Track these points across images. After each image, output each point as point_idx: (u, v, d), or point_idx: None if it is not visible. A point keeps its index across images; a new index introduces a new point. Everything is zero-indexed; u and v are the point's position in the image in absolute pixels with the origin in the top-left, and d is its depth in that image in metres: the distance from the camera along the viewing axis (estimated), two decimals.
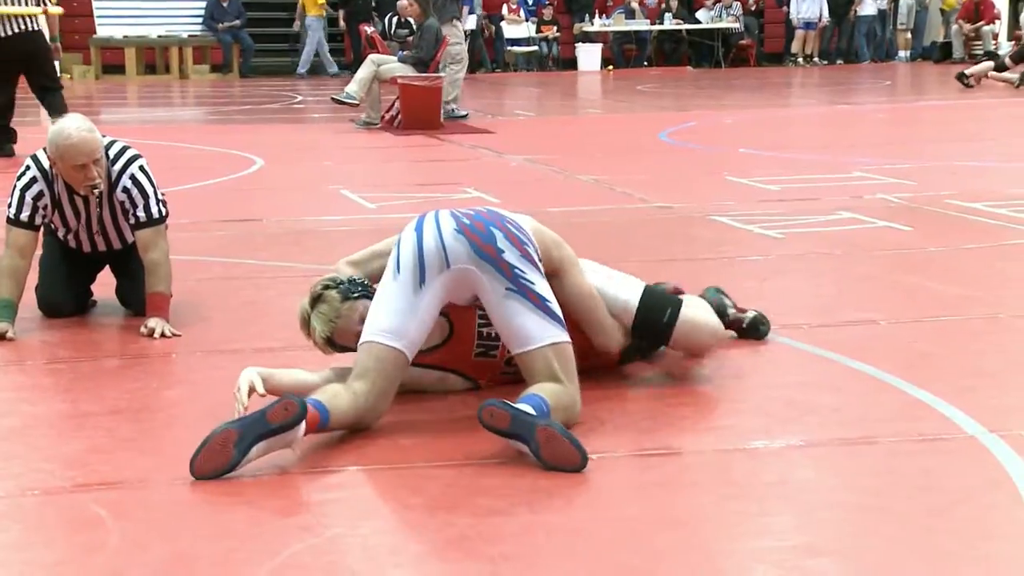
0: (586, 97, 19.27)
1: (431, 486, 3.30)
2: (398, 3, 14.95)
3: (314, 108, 16.13)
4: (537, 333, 3.62)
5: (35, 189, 4.89)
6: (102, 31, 22.29)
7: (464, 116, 13.48)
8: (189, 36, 22.63)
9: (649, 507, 3.15)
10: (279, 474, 3.35)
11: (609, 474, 3.35)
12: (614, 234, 6.94)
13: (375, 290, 3.80)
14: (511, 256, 3.63)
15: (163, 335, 4.75)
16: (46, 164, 4.89)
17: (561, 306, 3.75)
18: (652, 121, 13.85)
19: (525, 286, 3.62)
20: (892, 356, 4.43)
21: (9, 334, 4.73)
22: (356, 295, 3.88)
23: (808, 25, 24.72)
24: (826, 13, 24.72)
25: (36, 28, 10.25)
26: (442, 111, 13.08)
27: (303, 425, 3.38)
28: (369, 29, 15.26)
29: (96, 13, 22.49)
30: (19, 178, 4.94)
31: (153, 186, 4.96)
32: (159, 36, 22.54)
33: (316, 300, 3.90)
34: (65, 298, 5.11)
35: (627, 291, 4.10)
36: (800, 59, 24.64)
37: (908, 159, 9.98)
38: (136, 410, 3.95)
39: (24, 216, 4.90)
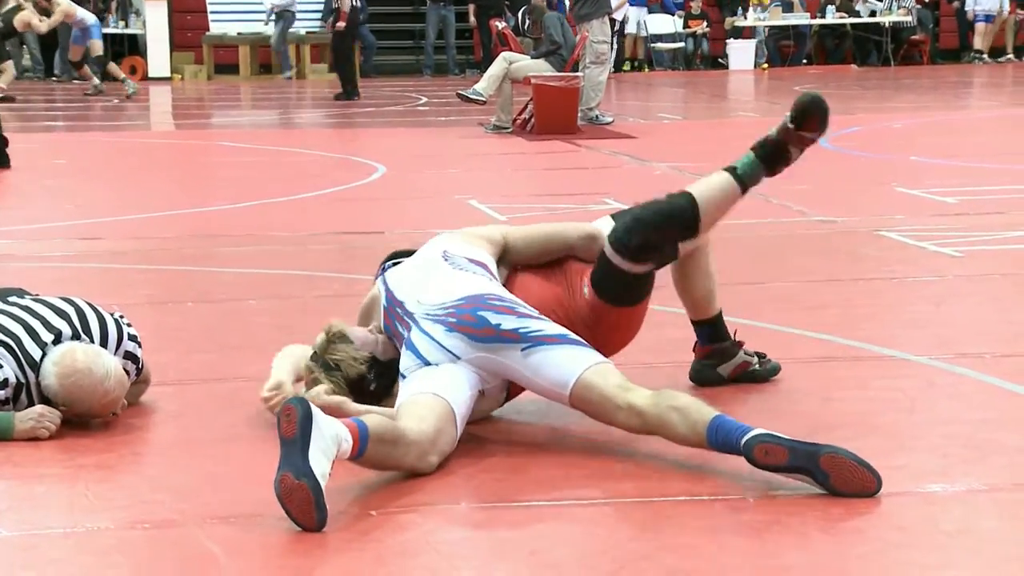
0: (738, 98, 19.15)
1: (576, 531, 3.31)
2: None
3: (440, 111, 16.29)
4: (580, 360, 3.70)
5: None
6: (215, 28, 22.76)
7: (609, 122, 13.51)
8: (307, 33, 23.01)
9: (809, 555, 3.11)
10: (403, 510, 3.38)
11: (766, 517, 3.31)
12: (770, 251, 6.88)
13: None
14: (509, 323, 3.77)
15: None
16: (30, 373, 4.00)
17: (527, 261, 4.12)
18: None
19: (537, 336, 3.75)
20: None
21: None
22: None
23: (988, 18, 24.23)
24: (1007, 4, 24.19)
25: None
26: (584, 116, 13.13)
27: (342, 440, 3.33)
28: (500, 24, 15.36)
29: (209, 9, 22.97)
30: None
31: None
32: None
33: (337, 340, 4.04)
34: None
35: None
36: (985, 56, 24.13)
37: None
38: (251, 438, 4.02)
39: None
